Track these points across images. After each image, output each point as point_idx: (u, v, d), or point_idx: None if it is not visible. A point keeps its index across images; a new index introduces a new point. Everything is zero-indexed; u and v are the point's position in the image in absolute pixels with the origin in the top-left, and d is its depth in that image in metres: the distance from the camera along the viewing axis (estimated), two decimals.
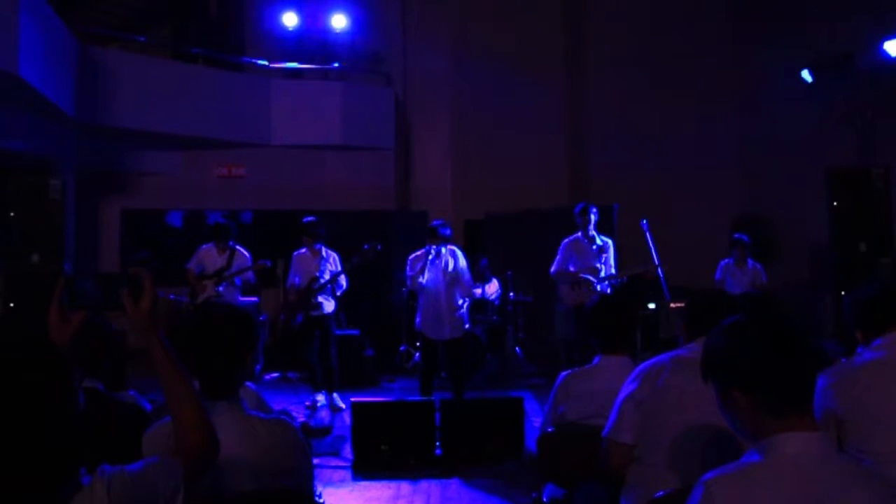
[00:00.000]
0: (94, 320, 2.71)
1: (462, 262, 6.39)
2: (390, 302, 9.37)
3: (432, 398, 5.70)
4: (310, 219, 7.03)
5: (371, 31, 11.43)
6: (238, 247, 7.31)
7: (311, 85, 10.94)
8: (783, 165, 9.50)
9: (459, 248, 6.53)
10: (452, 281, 6.30)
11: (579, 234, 6.93)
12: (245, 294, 7.96)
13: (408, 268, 6.40)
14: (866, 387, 2.36)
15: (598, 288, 6.78)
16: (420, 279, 6.24)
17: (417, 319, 6.50)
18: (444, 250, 6.30)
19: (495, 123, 10.55)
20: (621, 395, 2.58)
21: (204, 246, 7.35)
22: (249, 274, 7.29)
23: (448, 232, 6.35)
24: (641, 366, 2.62)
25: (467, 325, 6.57)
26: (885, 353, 2.46)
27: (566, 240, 6.98)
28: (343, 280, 6.90)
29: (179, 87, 9.71)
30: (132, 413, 2.67)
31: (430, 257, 6.22)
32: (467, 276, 6.43)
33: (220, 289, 7.14)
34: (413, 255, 6.40)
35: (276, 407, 2.95)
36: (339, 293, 6.97)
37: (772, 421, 1.57)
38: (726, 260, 7.74)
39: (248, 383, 2.62)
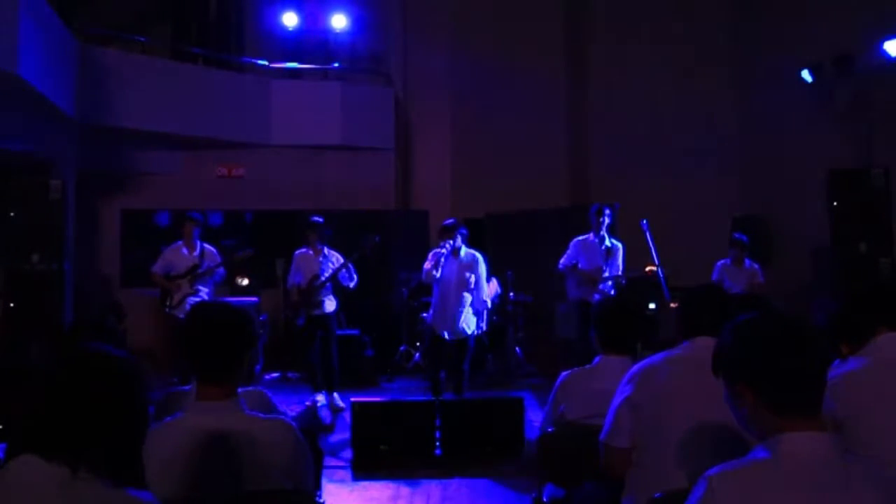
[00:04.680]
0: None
1: (482, 270, 6.36)
2: (390, 302, 9.36)
3: (432, 398, 5.69)
4: (317, 218, 7.08)
5: (371, 31, 11.42)
6: (206, 245, 7.24)
7: (311, 85, 10.93)
8: (783, 165, 9.49)
9: (483, 255, 6.47)
10: (462, 282, 6.29)
11: (591, 233, 6.90)
12: (240, 294, 7.93)
13: (426, 260, 6.38)
14: (865, 389, 2.34)
15: (601, 287, 6.77)
16: (434, 273, 6.24)
17: (430, 313, 6.52)
18: (463, 250, 6.30)
19: (495, 123, 10.54)
20: (616, 399, 2.56)
21: (171, 245, 7.22)
22: (220, 271, 7.20)
23: (465, 230, 6.35)
24: (635, 367, 2.59)
25: (477, 330, 6.48)
26: (883, 354, 2.44)
27: (577, 238, 6.97)
28: (350, 275, 6.82)
29: (179, 87, 9.70)
30: None
31: (445, 253, 6.21)
32: (483, 286, 6.39)
33: (200, 287, 7.04)
34: (434, 249, 6.40)
35: (281, 408, 2.93)
36: (352, 286, 6.90)
37: (779, 419, 1.57)
38: (723, 260, 7.70)
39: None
